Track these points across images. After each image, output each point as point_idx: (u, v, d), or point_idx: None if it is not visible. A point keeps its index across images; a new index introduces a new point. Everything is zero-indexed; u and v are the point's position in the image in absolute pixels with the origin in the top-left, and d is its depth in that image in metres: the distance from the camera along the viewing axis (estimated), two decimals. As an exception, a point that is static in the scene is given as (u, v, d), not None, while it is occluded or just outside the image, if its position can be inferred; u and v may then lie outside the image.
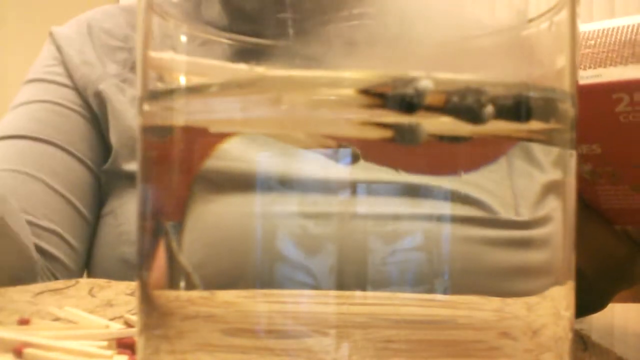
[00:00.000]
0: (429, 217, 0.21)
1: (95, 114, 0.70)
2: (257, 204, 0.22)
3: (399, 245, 0.21)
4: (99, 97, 0.70)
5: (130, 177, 0.68)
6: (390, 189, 0.21)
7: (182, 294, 0.24)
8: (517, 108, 0.22)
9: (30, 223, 0.64)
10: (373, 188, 0.21)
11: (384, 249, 0.21)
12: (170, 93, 0.24)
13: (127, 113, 0.69)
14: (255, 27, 0.25)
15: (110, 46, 0.72)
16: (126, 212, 0.68)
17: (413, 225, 0.21)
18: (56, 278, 0.65)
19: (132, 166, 0.68)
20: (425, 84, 0.21)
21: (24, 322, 0.38)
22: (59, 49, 0.72)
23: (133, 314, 0.40)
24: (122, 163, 0.69)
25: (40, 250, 0.65)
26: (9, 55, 2.34)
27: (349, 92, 0.21)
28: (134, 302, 0.41)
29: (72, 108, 0.71)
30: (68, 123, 0.70)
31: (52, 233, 0.67)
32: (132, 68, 0.70)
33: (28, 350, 0.31)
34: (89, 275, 0.71)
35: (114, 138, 0.69)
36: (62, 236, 0.68)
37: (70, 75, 0.71)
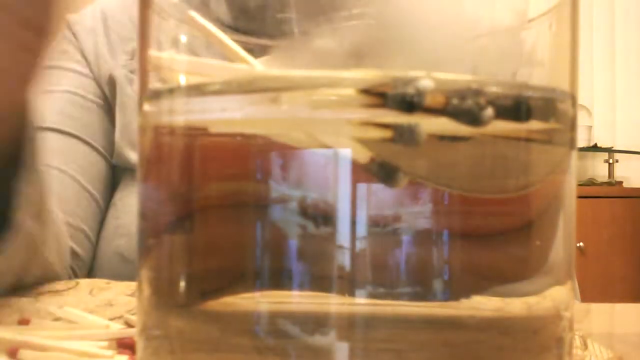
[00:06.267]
0: (429, 218, 0.21)
1: (110, 102, 0.71)
2: (256, 205, 0.22)
3: (399, 245, 0.21)
4: (112, 83, 0.70)
5: (132, 170, 0.68)
6: (391, 189, 0.21)
7: (183, 294, 0.24)
8: (517, 108, 0.22)
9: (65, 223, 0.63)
10: (373, 188, 0.21)
11: (384, 249, 0.21)
12: (170, 93, 0.24)
13: (130, 106, 0.69)
14: (258, 25, 0.25)
15: (122, 36, 0.72)
16: (126, 205, 0.68)
17: (413, 225, 0.21)
18: (75, 272, 0.65)
19: (133, 159, 0.68)
20: (425, 84, 0.21)
21: (24, 322, 0.37)
22: (75, 36, 0.73)
23: (133, 314, 0.40)
24: (124, 156, 0.69)
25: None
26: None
27: (349, 92, 0.21)
28: (134, 302, 0.41)
29: (91, 99, 0.71)
30: (88, 115, 0.70)
31: (80, 231, 0.66)
32: None
33: (23, 351, 0.31)
34: (91, 267, 0.71)
35: (117, 130, 0.69)
36: (87, 234, 0.67)
37: (87, 63, 0.71)
